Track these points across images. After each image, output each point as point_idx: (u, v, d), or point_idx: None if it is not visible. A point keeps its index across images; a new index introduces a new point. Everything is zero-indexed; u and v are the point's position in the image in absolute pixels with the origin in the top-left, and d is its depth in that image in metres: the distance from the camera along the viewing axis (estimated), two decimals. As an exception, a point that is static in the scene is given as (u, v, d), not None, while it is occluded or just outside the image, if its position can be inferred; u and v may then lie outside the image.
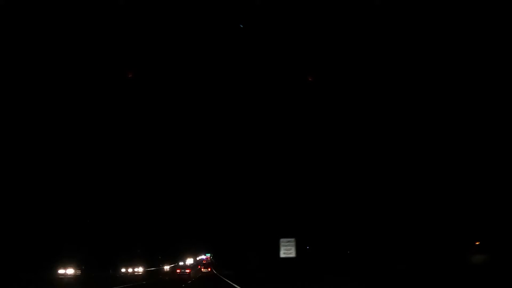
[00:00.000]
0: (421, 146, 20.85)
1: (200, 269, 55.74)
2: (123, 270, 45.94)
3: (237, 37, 18.86)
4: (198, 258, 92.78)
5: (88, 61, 18.97)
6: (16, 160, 26.81)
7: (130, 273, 45.00)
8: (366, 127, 21.82)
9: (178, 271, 41.72)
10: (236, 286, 19.29)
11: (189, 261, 71.59)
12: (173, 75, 21.64)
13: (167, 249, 70.35)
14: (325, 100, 20.91)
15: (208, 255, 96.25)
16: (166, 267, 60.91)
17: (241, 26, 18.33)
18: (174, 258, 69.70)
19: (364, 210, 24.54)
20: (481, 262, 15.18)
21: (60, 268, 31.48)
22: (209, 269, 54.97)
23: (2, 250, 25.24)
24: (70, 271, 31.90)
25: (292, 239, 23.49)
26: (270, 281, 21.66)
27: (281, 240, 23.45)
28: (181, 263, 68.99)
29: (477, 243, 17.95)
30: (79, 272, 33.45)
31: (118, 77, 20.80)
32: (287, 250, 23.40)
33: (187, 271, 39.67)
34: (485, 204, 17.44)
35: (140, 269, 47.13)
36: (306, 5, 17.38)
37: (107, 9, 17.05)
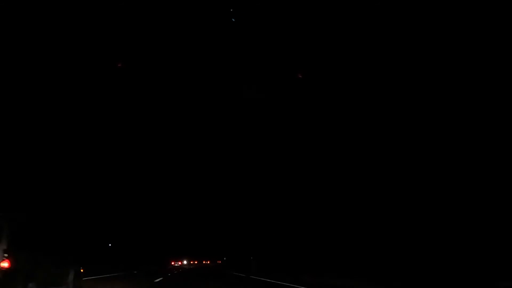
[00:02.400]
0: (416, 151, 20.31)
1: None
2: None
3: (227, 33, 18.83)
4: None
5: (79, 51, 18.99)
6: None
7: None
8: (359, 127, 21.52)
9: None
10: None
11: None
12: (159, 70, 21.65)
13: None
14: (315, 98, 20.74)
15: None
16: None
17: (233, 20, 18.31)
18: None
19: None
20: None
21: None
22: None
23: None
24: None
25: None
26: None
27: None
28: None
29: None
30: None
31: (110, 73, 20.86)
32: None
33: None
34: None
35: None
36: (296, 1, 17.31)
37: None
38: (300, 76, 18.15)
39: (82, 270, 9.04)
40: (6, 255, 5.72)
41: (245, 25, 18.89)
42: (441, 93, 17.02)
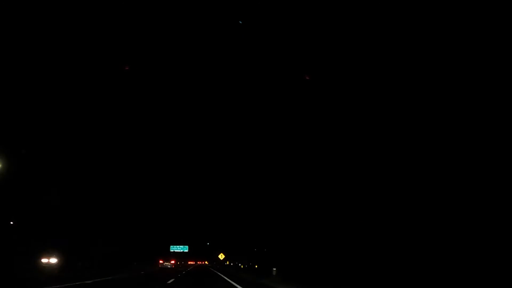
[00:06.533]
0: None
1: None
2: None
3: (234, 35, 18.77)
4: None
5: (84, 55, 18.91)
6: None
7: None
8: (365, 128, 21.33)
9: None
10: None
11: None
12: (169, 72, 21.62)
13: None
14: (322, 100, 20.62)
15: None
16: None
17: (240, 22, 18.25)
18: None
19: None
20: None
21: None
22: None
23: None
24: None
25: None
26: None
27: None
28: None
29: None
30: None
31: (116, 73, 20.81)
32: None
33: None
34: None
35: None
36: (303, 3, 17.23)
37: (104, 2, 17.03)
38: (308, 78, 18.09)
39: None
40: None
41: (251, 27, 18.84)
42: (446, 94, 16.91)
